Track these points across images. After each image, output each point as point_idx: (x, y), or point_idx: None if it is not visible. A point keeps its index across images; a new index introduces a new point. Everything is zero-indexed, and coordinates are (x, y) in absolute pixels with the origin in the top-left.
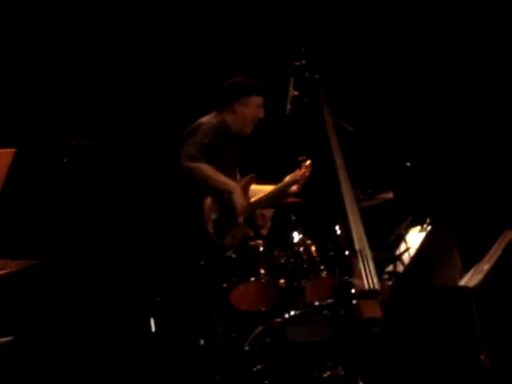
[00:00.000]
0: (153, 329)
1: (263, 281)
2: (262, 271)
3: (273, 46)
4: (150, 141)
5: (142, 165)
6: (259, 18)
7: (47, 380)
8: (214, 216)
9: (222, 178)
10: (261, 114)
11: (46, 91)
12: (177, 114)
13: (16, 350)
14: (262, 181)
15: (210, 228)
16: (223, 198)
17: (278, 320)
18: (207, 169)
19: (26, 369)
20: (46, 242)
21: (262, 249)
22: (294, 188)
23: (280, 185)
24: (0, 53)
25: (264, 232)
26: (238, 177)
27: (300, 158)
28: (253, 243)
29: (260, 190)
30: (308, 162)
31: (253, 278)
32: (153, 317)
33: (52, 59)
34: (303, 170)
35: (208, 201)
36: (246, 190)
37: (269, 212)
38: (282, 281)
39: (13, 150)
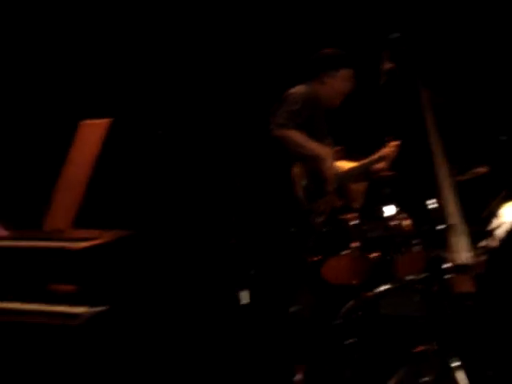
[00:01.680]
0: (245, 301)
1: (355, 254)
2: (354, 245)
3: (368, 18)
4: (244, 113)
5: (236, 137)
6: None
7: (139, 350)
8: (303, 182)
9: (312, 145)
10: (350, 86)
11: (142, 63)
12: (269, 85)
13: (109, 320)
14: (348, 156)
15: (300, 193)
16: (313, 164)
17: (370, 294)
18: (297, 135)
19: (118, 339)
20: (139, 213)
21: (354, 222)
22: (381, 165)
23: (368, 159)
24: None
25: (356, 205)
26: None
27: (387, 138)
28: (345, 217)
29: (342, 166)
30: (395, 143)
31: (345, 252)
32: (246, 288)
33: (143, 33)
34: (390, 149)
35: (298, 167)
36: (335, 160)
37: (361, 185)
38: (374, 255)
39: (108, 120)
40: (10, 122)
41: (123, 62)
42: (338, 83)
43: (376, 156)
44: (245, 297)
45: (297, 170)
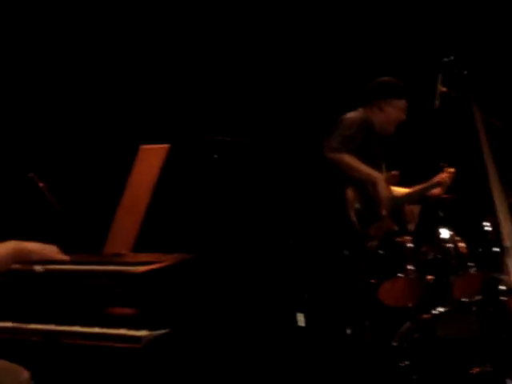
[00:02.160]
0: (301, 323)
1: (411, 277)
2: (410, 267)
3: (420, 42)
4: (297, 137)
5: (289, 160)
6: (407, 16)
7: (201, 372)
8: (356, 206)
9: (365, 168)
10: (404, 116)
11: (198, 87)
12: (321, 110)
13: (171, 342)
14: (403, 181)
15: (353, 217)
16: (366, 188)
17: (426, 316)
18: (350, 159)
19: (178, 361)
20: (199, 237)
21: (409, 245)
22: (438, 191)
23: (424, 185)
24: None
25: (411, 228)
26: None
27: (442, 164)
28: (400, 239)
29: (397, 191)
30: (451, 169)
31: (400, 274)
32: (302, 312)
33: (202, 58)
34: (446, 175)
35: (351, 191)
36: (388, 184)
37: (416, 208)
38: (429, 277)
39: (167, 145)
40: (73, 147)
41: (182, 89)
42: (394, 111)
43: (432, 182)
44: (300, 320)
45: (350, 193)
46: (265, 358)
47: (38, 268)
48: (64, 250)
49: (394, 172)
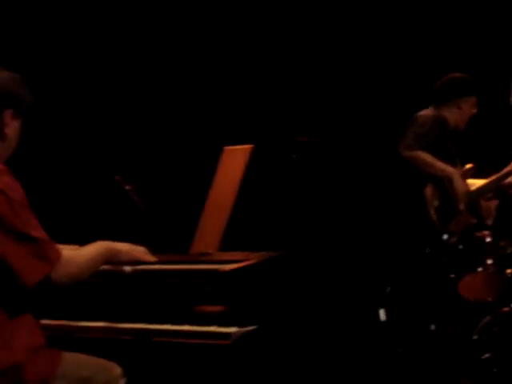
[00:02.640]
0: (382, 319)
1: (490, 271)
2: (489, 262)
3: (493, 38)
4: (374, 136)
5: (365, 160)
6: (479, 11)
7: (288, 368)
8: (436, 203)
9: (440, 164)
10: (475, 112)
11: (277, 88)
12: (397, 108)
13: (260, 339)
14: (478, 174)
15: (433, 214)
16: (444, 185)
17: (506, 309)
18: (425, 156)
19: (267, 356)
20: (284, 235)
21: (488, 239)
22: (511, 179)
23: (497, 175)
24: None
25: (489, 222)
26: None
27: None
28: (479, 234)
29: (474, 184)
30: None
31: (480, 269)
32: (383, 307)
33: (284, 59)
34: None
35: (429, 188)
36: (464, 179)
37: (493, 203)
38: (509, 271)
39: (250, 145)
40: (158, 149)
41: (262, 90)
42: (468, 108)
43: (504, 171)
44: (382, 315)
45: (429, 191)
46: (348, 352)
47: (127, 269)
48: (152, 250)
49: (468, 165)
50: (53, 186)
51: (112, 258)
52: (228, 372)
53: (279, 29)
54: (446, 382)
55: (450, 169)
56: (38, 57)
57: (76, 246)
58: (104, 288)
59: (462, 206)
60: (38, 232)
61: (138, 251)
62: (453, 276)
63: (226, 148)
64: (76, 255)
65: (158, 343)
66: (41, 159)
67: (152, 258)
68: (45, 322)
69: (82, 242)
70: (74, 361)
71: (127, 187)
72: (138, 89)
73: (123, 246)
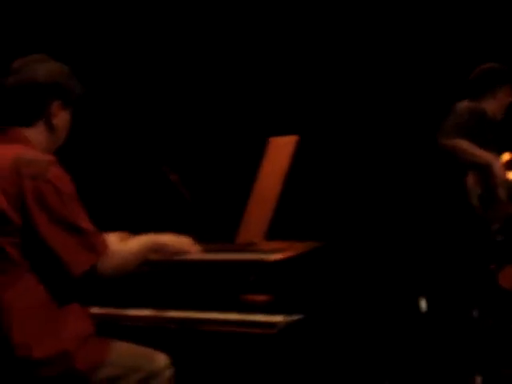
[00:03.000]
0: (423, 308)
1: None
2: None
3: None
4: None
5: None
6: None
7: (330, 356)
8: (478, 191)
9: (480, 152)
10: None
11: (321, 78)
12: (437, 98)
13: (305, 328)
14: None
15: (476, 202)
16: (485, 172)
17: None
18: (464, 143)
19: (313, 345)
20: (329, 225)
21: None
22: None
23: None
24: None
25: None
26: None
27: None
28: None
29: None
30: None
31: None
32: (424, 296)
33: (329, 50)
34: None
35: (471, 177)
36: (505, 167)
37: None
38: None
39: (295, 136)
40: (204, 140)
41: (307, 81)
42: (505, 97)
43: None
44: (423, 304)
45: (471, 180)
46: (389, 342)
47: (181, 258)
48: (197, 240)
49: (506, 155)
50: (100, 177)
51: (158, 250)
52: (273, 361)
53: (320, 20)
54: (486, 371)
55: (489, 155)
56: (89, 48)
57: (125, 234)
58: (152, 277)
59: (502, 194)
60: (86, 223)
61: (184, 243)
62: (493, 267)
63: (272, 138)
64: (122, 248)
65: (204, 332)
66: (88, 150)
67: (198, 249)
68: (93, 310)
69: (129, 231)
70: (121, 349)
71: (173, 177)
72: (184, 79)
73: (169, 238)
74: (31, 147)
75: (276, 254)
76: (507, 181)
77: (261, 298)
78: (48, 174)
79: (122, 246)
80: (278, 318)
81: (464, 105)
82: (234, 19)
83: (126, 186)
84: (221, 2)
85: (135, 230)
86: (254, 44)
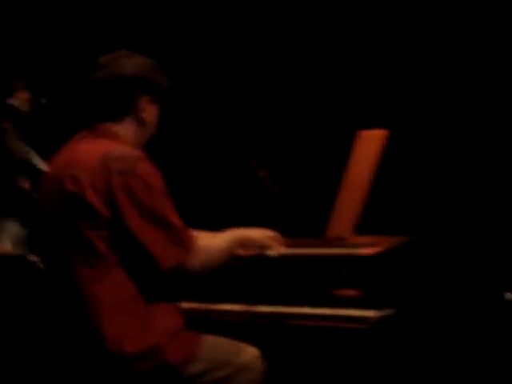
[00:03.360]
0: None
1: None
2: None
3: None
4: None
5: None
6: None
7: (425, 353)
8: None
9: None
10: None
11: (413, 72)
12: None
13: (397, 323)
14: None
15: None
16: None
17: None
18: None
19: (403, 340)
20: (420, 219)
21: None
22: None
23: None
24: None
25: None
26: None
27: None
28: None
29: None
30: None
31: None
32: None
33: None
34: None
35: None
36: None
37: None
38: None
39: (385, 130)
40: (293, 134)
41: (397, 75)
42: None
43: None
44: (509, 296)
45: None
46: (474, 335)
47: (271, 253)
48: (286, 235)
49: None
50: (188, 172)
51: (246, 244)
52: (366, 356)
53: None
54: None
55: None
56: (175, 44)
57: (210, 234)
58: (242, 272)
59: None
60: (175, 218)
61: (272, 237)
62: None
63: (361, 131)
64: (210, 243)
65: (295, 327)
66: (176, 145)
67: (284, 245)
68: (183, 304)
69: (217, 227)
70: (212, 343)
71: (262, 173)
72: (272, 72)
73: (256, 233)
74: (120, 142)
75: (367, 248)
76: None
77: (352, 292)
78: (137, 169)
79: (209, 240)
80: (369, 313)
81: None
82: (325, 15)
83: (213, 182)
84: None
85: (223, 225)
86: (345, 37)
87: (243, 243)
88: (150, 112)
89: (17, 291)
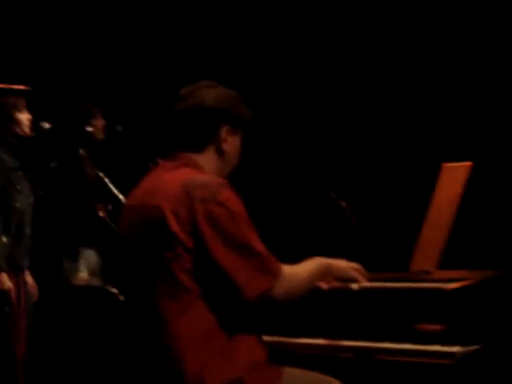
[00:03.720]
0: None
1: None
2: None
3: None
4: None
5: None
6: None
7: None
8: None
9: None
10: None
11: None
12: None
13: (484, 358)
14: None
15: None
16: None
17: None
18: None
19: (490, 376)
20: (505, 253)
21: None
22: None
23: None
24: None
25: None
26: None
27: None
28: None
29: None
30: None
31: None
32: None
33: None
34: None
35: None
36: None
37: None
38: None
39: (469, 163)
40: (375, 166)
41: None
42: None
43: None
44: None
45: None
46: None
47: (354, 286)
48: (369, 268)
49: None
50: (269, 201)
51: (328, 275)
52: None
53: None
54: None
55: None
56: (259, 77)
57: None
58: (324, 305)
59: None
60: (260, 245)
61: (355, 268)
62: None
63: (445, 165)
64: (295, 271)
65: (379, 361)
66: (256, 174)
67: (367, 277)
68: (264, 338)
69: (298, 257)
70: (295, 376)
71: (342, 204)
72: (353, 106)
73: (340, 263)
74: (202, 171)
75: (453, 282)
76: None
77: (436, 327)
78: (219, 197)
79: (294, 268)
80: (455, 348)
81: None
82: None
83: (294, 212)
84: None
85: (304, 256)
86: (430, 73)
87: (327, 272)
88: (231, 143)
89: (98, 322)
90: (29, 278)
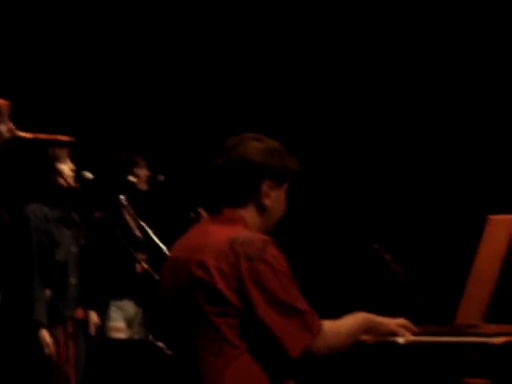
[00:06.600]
0: None
1: None
2: None
3: None
4: None
5: None
6: None
7: None
8: None
9: None
10: None
11: None
12: None
13: None
14: None
15: None
16: None
17: None
18: None
19: None
20: None
21: None
22: None
23: None
24: None
25: None
26: None
27: None
28: None
29: None
30: None
31: None
32: None
33: None
34: None
35: None
36: None
37: None
38: None
39: None
40: (416, 219)
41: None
42: None
43: None
44: None
45: None
46: None
47: (400, 340)
48: (413, 321)
49: None
50: (311, 254)
51: (372, 330)
52: None
53: None
54: None
55: None
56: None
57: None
58: (367, 359)
59: None
60: (302, 304)
61: (399, 324)
62: None
63: (491, 216)
64: (336, 327)
65: None
66: (300, 226)
67: (413, 331)
68: None
69: (341, 310)
70: None
71: (386, 256)
72: (393, 158)
73: (383, 319)
74: (246, 227)
75: (500, 337)
76: None
77: (483, 382)
78: (265, 255)
79: (336, 323)
80: None
81: None
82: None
83: (337, 264)
84: None
85: (347, 309)
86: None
87: (370, 327)
88: (273, 197)
89: (145, 377)
90: (93, 315)
